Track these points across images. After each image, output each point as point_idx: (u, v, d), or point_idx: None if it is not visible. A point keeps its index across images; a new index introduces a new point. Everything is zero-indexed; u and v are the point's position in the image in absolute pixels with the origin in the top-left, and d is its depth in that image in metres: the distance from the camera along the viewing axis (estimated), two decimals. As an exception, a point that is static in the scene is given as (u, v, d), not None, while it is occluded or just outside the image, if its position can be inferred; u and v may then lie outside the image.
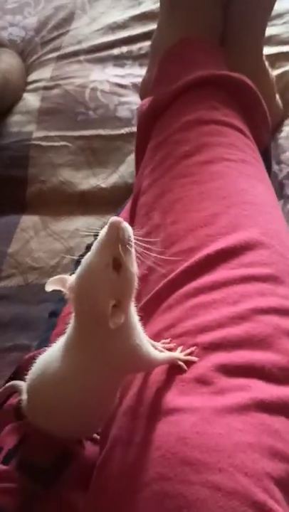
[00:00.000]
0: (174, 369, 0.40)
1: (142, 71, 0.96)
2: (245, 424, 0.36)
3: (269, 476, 0.34)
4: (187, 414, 0.37)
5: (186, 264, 0.47)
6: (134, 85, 0.94)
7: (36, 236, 0.80)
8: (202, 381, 0.39)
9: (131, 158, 0.84)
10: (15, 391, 0.50)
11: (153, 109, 0.65)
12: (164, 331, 0.44)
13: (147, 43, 1.01)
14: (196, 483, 0.33)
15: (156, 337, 0.44)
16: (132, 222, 0.61)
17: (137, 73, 0.96)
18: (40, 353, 0.50)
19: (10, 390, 0.51)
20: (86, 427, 0.46)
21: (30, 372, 0.45)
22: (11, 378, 0.56)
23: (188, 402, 0.38)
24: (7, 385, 0.50)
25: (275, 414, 0.37)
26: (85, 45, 1.04)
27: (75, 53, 1.03)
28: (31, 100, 0.95)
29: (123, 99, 0.91)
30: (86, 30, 1.07)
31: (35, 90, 0.97)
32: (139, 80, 0.94)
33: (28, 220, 0.82)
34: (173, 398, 0.38)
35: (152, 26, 1.03)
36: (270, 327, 0.42)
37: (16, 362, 0.67)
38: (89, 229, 0.78)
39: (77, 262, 0.67)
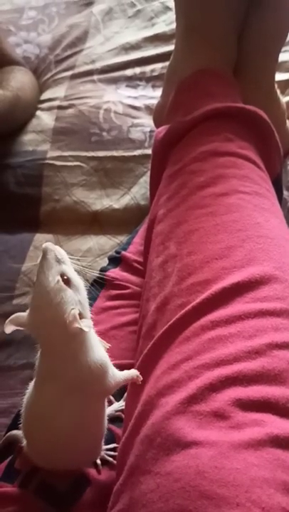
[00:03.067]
0: (191, 401, 0.42)
1: (155, 93, 0.99)
2: (261, 459, 0.38)
3: (284, 511, 0.35)
4: (205, 448, 0.38)
5: (202, 297, 0.49)
6: (147, 107, 0.96)
7: (49, 255, 0.81)
8: (219, 415, 0.40)
9: (143, 179, 0.87)
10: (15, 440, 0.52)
11: (169, 137, 0.67)
12: (180, 363, 0.45)
13: (160, 65, 1.03)
14: (216, 517, 0.35)
15: (174, 368, 0.45)
16: (147, 249, 0.63)
17: (149, 95, 0.98)
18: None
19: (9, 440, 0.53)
20: (84, 455, 0.48)
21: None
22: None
23: (205, 435, 0.39)
24: (7, 434, 0.52)
25: (288, 449, 0.39)
26: (98, 65, 1.06)
27: (89, 73, 1.05)
28: (46, 119, 0.97)
29: (136, 121, 0.93)
30: (99, 50, 1.09)
31: (49, 109, 0.99)
32: (152, 101, 0.96)
33: (41, 238, 0.84)
34: (191, 431, 0.40)
35: (165, 48, 1.05)
36: (285, 362, 0.44)
37: (29, 379, 0.68)
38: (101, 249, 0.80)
39: (93, 283, 0.69)
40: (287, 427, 0.40)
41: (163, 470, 0.39)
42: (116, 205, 0.84)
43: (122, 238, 0.81)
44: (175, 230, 0.57)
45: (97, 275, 0.69)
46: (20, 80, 0.99)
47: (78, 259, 0.47)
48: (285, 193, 0.79)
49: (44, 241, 0.85)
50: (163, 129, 0.69)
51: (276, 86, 0.83)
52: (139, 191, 0.85)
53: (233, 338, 0.45)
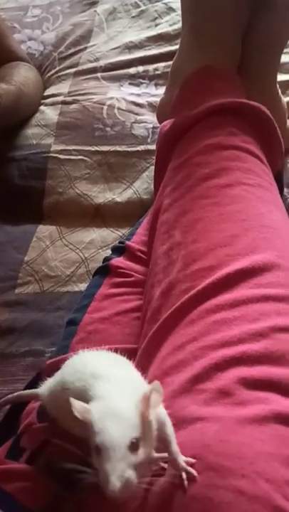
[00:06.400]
0: (197, 379, 0.43)
1: (158, 91, 1.00)
2: (265, 434, 0.39)
3: (288, 484, 0.37)
4: (210, 423, 0.40)
5: (206, 282, 0.50)
6: (150, 104, 0.97)
7: (52, 245, 0.82)
8: (224, 392, 0.41)
9: (146, 174, 0.88)
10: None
11: (174, 131, 0.69)
12: (186, 344, 0.47)
13: (163, 64, 1.05)
14: (221, 487, 0.36)
15: (179, 349, 0.46)
16: (151, 238, 0.64)
17: (152, 92, 1.00)
18: (61, 361, 0.53)
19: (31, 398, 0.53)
20: None
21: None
22: (33, 382, 0.58)
23: (211, 411, 0.40)
24: (33, 391, 0.52)
25: None
26: (102, 63, 1.07)
27: (93, 70, 1.06)
28: (50, 114, 0.98)
29: (139, 117, 0.94)
30: (103, 48, 1.11)
31: (53, 104, 1.00)
32: (155, 99, 0.97)
33: (44, 230, 0.85)
34: (197, 408, 0.41)
35: (168, 48, 1.07)
36: (287, 344, 0.45)
37: (31, 366, 0.69)
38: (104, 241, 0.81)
39: (96, 272, 0.70)
40: (289, 405, 0.41)
41: (169, 445, 0.40)
42: (119, 199, 0.86)
43: (125, 231, 0.82)
44: (180, 219, 0.58)
45: (101, 264, 0.70)
46: (24, 74, 1.00)
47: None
48: (285, 190, 0.81)
49: (47, 233, 0.86)
50: (168, 123, 0.70)
51: (278, 86, 0.85)
52: (141, 186, 0.87)
53: (237, 321, 0.46)
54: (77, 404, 0.36)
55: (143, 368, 0.48)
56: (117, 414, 0.36)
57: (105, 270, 0.68)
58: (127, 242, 0.70)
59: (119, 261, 0.68)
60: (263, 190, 0.60)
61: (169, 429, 0.38)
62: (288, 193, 0.82)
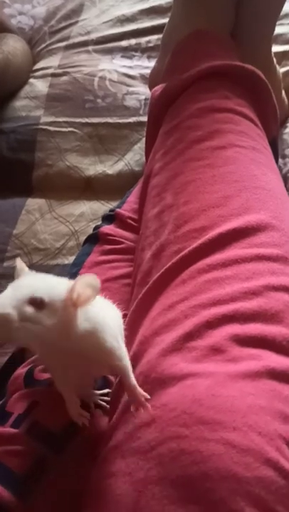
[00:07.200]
0: (188, 337, 0.42)
1: (150, 63, 0.98)
2: (257, 389, 0.37)
3: (281, 437, 0.35)
4: (202, 378, 0.38)
5: (198, 242, 0.49)
6: (142, 76, 0.95)
7: (42, 218, 0.80)
8: (216, 349, 0.40)
9: (138, 146, 0.86)
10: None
11: (165, 95, 0.67)
12: (176, 304, 0.45)
13: (155, 37, 1.02)
14: (212, 440, 0.34)
15: (170, 309, 0.45)
16: (142, 204, 0.62)
17: (145, 65, 0.98)
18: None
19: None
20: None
21: None
22: (18, 352, 0.57)
23: (202, 367, 0.39)
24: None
25: (284, 382, 0.39)
26: (93, 36, 1.05)
27: (84, 43, 1.04)
28: (39, 86, 0.96)
29: (131, 89, 0.92)
30: (95, 22, 1.08)
31: (43, 77, 0.98)
32: (147, 71, 0.95)
33: (33, 203, 0.83)
34: (187, 365, 0.40)
35: (160, 21, 1.05)
36: (281, 303, 0.43)
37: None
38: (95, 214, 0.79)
39: (86, 240, 0.68)
40: (283, 362, 0.40)
41: (158, 402, 0.39)
42: (109, 171, 0.84)
43: (116, 204, 0.80)
44: (171, 182, 0.56)
45: (91, 232, 0.68)
46: (12, 45, 0.98)
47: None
48: (280, 160, 0.79)
49: (36, 206, 0.84)
50: (159, 88, 0.68)
51: (273, 56, 0.83)
52: (133, 158, 0.85)
53: (229, 279, 0.45)
54: (19, 261, 0.40)
55: (133, 329, 0.46)
56: (45, 279, 0.38)
57: (95, 238, 0.66)
58: (118, 210, 0.68)
59: (109, 228, 0.66)
60: (256, 153, 0.58)
61: (120, 360, 0.39)
62: (283, 164, 0.80)
